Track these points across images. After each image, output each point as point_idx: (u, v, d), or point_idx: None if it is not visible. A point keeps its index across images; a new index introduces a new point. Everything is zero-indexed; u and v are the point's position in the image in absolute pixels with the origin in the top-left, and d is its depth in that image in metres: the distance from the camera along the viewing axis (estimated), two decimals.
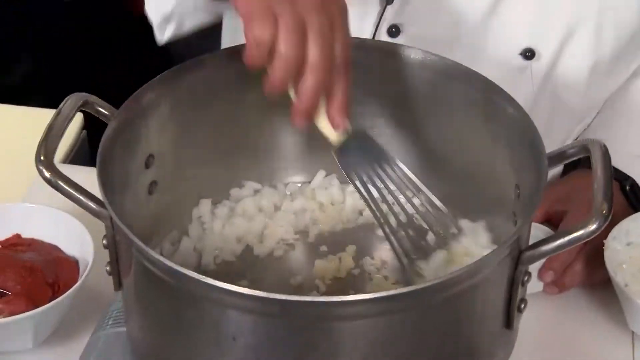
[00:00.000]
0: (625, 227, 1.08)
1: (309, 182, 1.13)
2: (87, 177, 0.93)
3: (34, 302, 1.01)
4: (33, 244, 1.09)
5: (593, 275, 1.09)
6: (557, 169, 1.26)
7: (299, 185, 1.13)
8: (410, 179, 0.96)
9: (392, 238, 0.94)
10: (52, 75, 2.17)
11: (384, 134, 1.06)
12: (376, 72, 1.04)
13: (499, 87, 0.98)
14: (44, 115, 1.01)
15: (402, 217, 0.97)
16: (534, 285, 1.04)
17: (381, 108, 1.07)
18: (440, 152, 1.06)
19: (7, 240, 1.10)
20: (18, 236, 1.10)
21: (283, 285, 1.03)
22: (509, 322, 0.90)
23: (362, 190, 0.95)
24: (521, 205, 0.95)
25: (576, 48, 1.18)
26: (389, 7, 1.17)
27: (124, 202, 0.93)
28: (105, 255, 0.94)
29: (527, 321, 0.95)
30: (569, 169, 1.21)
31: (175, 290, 0.84)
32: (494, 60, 1.18)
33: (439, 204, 0.96)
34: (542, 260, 1.05)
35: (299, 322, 0.81)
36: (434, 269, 0.95)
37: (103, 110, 0.97)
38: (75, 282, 1.03)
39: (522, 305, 0.90)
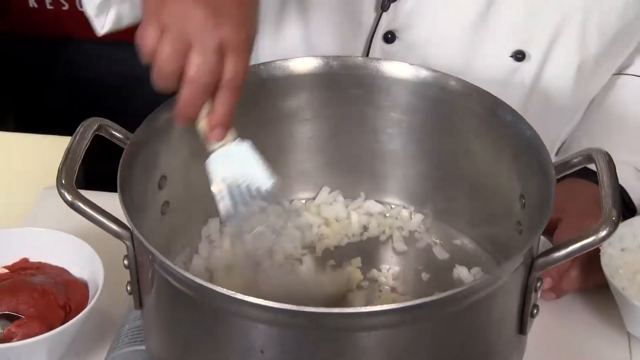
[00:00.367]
0: (619, 233, 1.07)
1: (313, 199, 1.15)
2: (95, 200, 0.93)
3: (47, 325, 1.01)
4: (41, 267, 1.09)
5: (588, 281, 1.11)
6: None
7: (304, 201, 1.15)
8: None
9: None
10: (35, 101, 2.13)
11: (390, 148, 1.09)
12: (384, 90, 1.07)
13: (501, 101, 1.01)
14: (41, 141, 1.02)
15: None
16: None
17: (386, 123, 1.09)
18: (445, 163, 1.08)
19: (15, 264, 1.10)
20: (25, 260, 1.10)
21: (294, 300, 1.04)
22: (522, 327, 0.92)
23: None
24: (527, 215, 0.97)
25: (563, 48, 1.19)
26: (384, 14, 1.20)
27: (142, 223, 0.94)
28: (114, 276, 0.95)
29: None
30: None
31: (202, 307, 0.86)
32: (486, 63, 1.20)
33: None
34: None
35: (326, 333, 0.83)
36: None
37: (117, 134, 0.98)
38: (86, 303, 1.03)
39: (535, 311, 0.92)
